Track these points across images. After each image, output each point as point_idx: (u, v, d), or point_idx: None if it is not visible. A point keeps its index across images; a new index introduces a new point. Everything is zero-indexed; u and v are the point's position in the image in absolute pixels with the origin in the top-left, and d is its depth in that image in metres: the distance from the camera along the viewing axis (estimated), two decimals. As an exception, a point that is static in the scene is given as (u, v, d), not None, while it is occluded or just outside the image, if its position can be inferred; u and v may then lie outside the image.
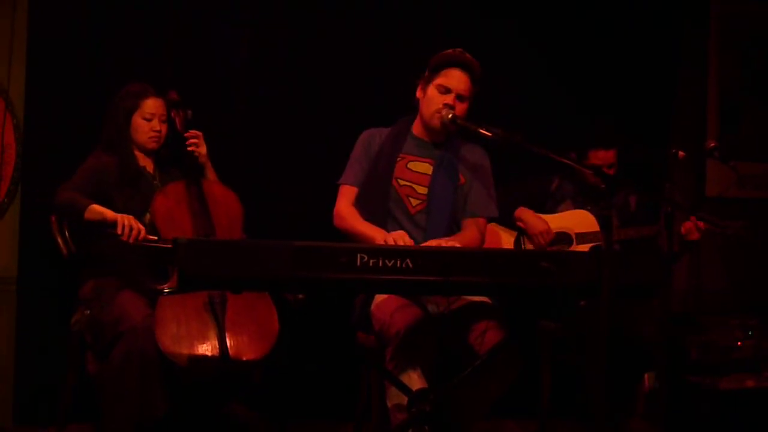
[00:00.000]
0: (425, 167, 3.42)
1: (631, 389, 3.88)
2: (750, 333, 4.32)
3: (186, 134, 3.61)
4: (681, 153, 3.66)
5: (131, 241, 3.24)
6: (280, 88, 4.24)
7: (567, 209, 4.00)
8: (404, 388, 2.98)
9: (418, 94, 3.43)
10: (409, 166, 3.41)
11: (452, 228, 3.42)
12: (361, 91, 4.28)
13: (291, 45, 4.25)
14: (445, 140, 3.44)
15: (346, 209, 3.39)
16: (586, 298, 2.90)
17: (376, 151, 3.43)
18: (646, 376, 4.11)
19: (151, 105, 3.56)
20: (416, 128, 3.48)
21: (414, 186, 3.40)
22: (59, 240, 3.54)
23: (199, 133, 3.63)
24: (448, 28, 4.33)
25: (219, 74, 4.17)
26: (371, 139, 3.47)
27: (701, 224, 3.75)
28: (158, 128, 3.58)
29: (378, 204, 3.36)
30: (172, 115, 3.63)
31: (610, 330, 2.58)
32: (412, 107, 3.47)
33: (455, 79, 3.34)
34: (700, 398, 4.03)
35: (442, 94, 3.34)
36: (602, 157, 3.91)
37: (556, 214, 3.99)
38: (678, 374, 4.08)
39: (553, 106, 4.50)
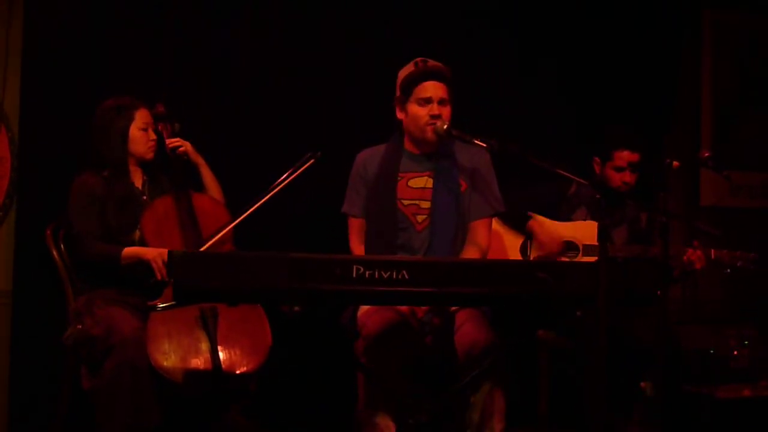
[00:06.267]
0: (425, 181, 3.40)
1: (629, 398, 3.87)
2: (746, 342, 4.32)
3: (168, 141, 3.59)
4: (675, 163, 3.67)
5: (167, 279, 3.25)
6: (277, 93, 4.22)
7: (581, 216, 3.90)
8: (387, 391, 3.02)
9: (399, 115, 3.42)
10: (409, 184, 3.40)
11: (459, 237, 3.40)
12: (361, 94, 4.27)
13: (287, 49, 4.24)
14: (438, 149, 3.41)
15: (357, 248, 3.42)
16: (583, 308, 2.89)
17: (374, 177, 3.42)
18: (642, 384, 4.11)
19: (145, 114, 3.56)
20: (408, 144, 3.46)
21: (418, 203, 3.38)
22: (54, 254, 3.54)
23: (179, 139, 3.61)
24: (448, 34, 4.35)
25: (215, 81, 4.15)
26: (366, 163, 3.46)
27: (700, 253, 3.69)
28: (154, 137, 3.58)
29: (389, 232, 3.34)
30: (159, 128, 3.61)
31: (608, 339, 2.58)
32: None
33: (431, 89, 3.33)
34: (696, 407, 4.02)
35: (424, 106, 3.33)
36: (627, 157, 3.85)
37: (569, 223, 3.89)
38: (675, 383, 4.07)
39: (549, 114, 4.51)
